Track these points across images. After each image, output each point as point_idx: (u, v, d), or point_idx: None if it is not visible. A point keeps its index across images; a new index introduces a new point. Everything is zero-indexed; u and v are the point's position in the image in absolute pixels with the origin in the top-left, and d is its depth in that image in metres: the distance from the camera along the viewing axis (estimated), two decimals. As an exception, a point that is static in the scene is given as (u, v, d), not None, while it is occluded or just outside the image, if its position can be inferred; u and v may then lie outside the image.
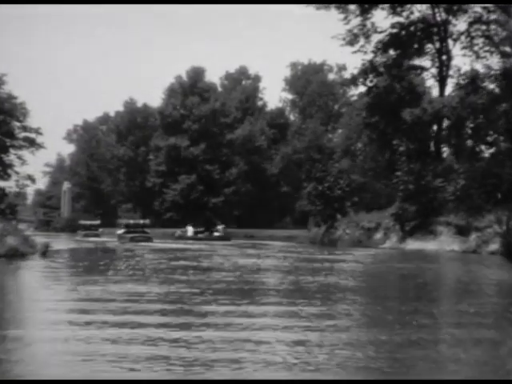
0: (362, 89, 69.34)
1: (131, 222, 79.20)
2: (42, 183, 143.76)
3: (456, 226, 53.24)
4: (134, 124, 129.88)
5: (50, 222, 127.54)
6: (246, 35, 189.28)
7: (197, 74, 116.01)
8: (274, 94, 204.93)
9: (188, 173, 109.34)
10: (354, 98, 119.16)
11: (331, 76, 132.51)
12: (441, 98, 60.74)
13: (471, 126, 60.91)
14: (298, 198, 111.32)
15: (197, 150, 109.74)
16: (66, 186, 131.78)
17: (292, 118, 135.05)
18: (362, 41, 65.58)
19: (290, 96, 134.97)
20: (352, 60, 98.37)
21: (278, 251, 51.25)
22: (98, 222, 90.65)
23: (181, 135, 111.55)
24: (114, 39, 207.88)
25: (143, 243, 63.79)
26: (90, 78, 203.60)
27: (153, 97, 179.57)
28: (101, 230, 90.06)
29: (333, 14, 64.31)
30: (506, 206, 49.66)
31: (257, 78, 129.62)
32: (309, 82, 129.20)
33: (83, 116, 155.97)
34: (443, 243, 53.47)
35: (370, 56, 66.27)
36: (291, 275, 28.85)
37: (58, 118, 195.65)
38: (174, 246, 60.84)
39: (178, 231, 78.69)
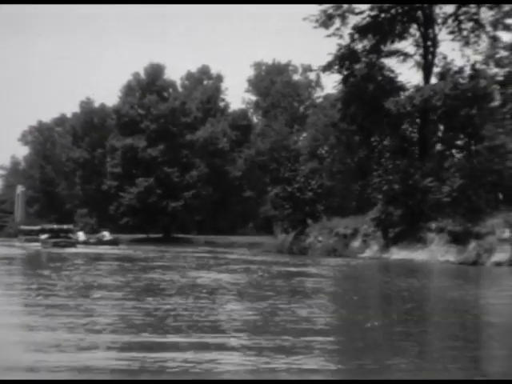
0: (336, 77, 59.38)
1: (55, 226, 75.60)
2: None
3: (450, 233, 43.60)
4: (90, 125, 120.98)
5: (4, 226, 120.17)
6: (208, 34, 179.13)
7: (156, 71, 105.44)
8: (236, 95, 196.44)
9: (146, 175, 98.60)
10: (320, 99, 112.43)
11: (296, 77, 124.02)
12: (430, 85, 51.06)
13: (466, 115, 50.54)
14: (262, 203, 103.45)
15: (155, 151, 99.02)
16: (20, 189, 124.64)
17: (255, 119, 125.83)
18: (337, 23, 56.04)
19: (253, 97, 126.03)
20: (324, 47, 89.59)
21: (243, 262, 41.90)
22: (38, 227, 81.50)
23: (138, 135, 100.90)
24: (74, 38, 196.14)
25: (66, 249, 60.13)
26: (46, 78, 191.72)
27: (111, 97, 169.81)
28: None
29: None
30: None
31: (219, 78, 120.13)
32: (273, 83, 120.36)
33: (39, 117, 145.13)
34: (435, 253, 43.95)
35: (346, 40, 56.61)
36: (262, 301, 19.53)
37: (13, 119, 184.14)
38: (102, 251, 56.98)
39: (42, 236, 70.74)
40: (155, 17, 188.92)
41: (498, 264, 38.48)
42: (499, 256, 39.12)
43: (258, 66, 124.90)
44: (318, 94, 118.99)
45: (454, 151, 55.17)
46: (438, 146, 57.02)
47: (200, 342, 12.75)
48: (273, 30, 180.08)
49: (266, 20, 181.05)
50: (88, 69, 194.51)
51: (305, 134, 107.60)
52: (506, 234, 39.14)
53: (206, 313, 16.90)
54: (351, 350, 12.72)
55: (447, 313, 18.84)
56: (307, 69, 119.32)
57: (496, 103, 51.28)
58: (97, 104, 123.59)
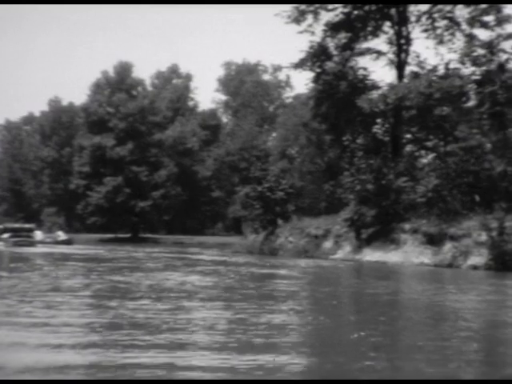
0: (308, 76, 57.64)
1: (16, 225, 74.47)
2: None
3: (425, 234, 41.90)
4: (58, 123, 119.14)
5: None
6: (178, 34, 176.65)
7: (124, 69, 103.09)
8: (206, 95, 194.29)
9: (114, 174, 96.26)
10: (290, 99, 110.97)
11: (266, 77, 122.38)
12: (405, 83, 49.39)
13: (440, 115, 48.86)
14: (231, 203, 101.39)
15: (123, 150, 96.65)
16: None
17: (225, 119, 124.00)
18: (309, 19, 54.21)
19: (223, 97, 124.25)
20: (295, 48, 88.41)
21: (212, 263, 40.13)
22: (1, 226, 79.16)
23: (106, 134, 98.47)
24: (42, 37, 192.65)
25: (26, 248, 58.72)
26: (14, 77, 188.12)
27: (80, 96, 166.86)
28: None
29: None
30: (488, 209, 38.66)
31: (188, 77, 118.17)
32: (243, 83, 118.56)
33: (7, 116, 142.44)
34: (409, 254, 42.21)
35: (318, 37, 54.89)
36: (230, 311, 17.57)
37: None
38: (67, 251, 55.03)
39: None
40: (125, 15, 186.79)
41: (475, 267, 36.90)
42: (476, 259, 37.53)
43: (227, 65, 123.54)
44: (288, 94, 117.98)
45: (428, 151, 53.56)
46: (411, 146, 55.46)
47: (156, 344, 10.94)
48: (243, 30, 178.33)
49: (236, 20, 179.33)
50: (57, 67, 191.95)
51: (274, 134, 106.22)
52: (483, 236, 37.55)
53: (168, 319, 15.14)
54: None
55: (433, 321, 17.16)
56: (277, 69, 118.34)
57: (472, 103, 49.96)
58: (65, 102, 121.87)
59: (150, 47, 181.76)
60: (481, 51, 48.65)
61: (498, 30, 48.78)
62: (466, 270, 37.11)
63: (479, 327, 16.40)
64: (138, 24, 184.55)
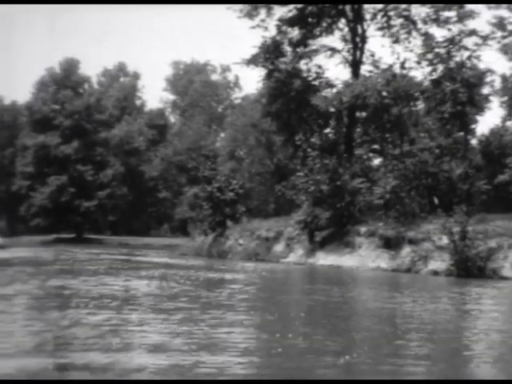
0: (260, 73, 55.07)
1: None
2: None
3: (382, 238, 39.68)
4: (0, 123, 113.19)
5: None
6: (125, 32, 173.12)
7: (70, 65, 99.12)
8: (153, 94, 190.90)
9: (58, 174, 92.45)
10: (238, 100, 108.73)
11: (215, 77, 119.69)
12: (362, 81, 47.07)
13: (397, 115, 46.59)
14: (178, 204, 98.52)
15: (68, 148, 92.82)
16: None
17: (173, 119, 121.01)
18: (262, 13, 51.76)
19: (171, 96, 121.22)
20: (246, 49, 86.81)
21: (158, 266, 37.46)
22: None
23: (51, 132, 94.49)
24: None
25: None
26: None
27: (24, 94, 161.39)
28: None
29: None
30: (448, 212, 36.56)
31: (136, 76, 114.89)
32: (191, 82, 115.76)
33: None
34: (365, 259, 39.96)
35: (272, 33, 52.55)
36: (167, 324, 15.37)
37: None
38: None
39: None
40: (71, 13, 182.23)
41: (435, 273, 34.81)
42: (436, 264, 35.43)
43: (176, 64, 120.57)
44: (237, 95, 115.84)
45: (384, 152, 51.42)
46: (367, 146, 53.30)
47: None
48: (192, 30, 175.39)
49: (185, 19, 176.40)
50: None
51: (223, 135, 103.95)
52: (444, 241, 35.42)
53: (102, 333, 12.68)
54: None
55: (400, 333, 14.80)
56: (226, 69, 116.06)
57: (421, 106, 48.22)
58: (7, 101, 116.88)
59: (96, 45, 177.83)
60: (441, 49, 46.72)
61: (460, 26, 46.94)
62: (426, 275, 35.06)
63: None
64: (84, 22, 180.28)
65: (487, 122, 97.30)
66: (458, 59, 45.52)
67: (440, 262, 35.28)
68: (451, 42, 46.09)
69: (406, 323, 17.02)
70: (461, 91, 42.34)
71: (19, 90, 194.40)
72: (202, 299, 20.95)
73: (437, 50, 47.50)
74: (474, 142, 53.54)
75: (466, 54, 45.84)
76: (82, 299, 19.12)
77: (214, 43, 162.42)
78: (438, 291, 27.24)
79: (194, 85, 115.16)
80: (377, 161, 53.78)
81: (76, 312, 16.41)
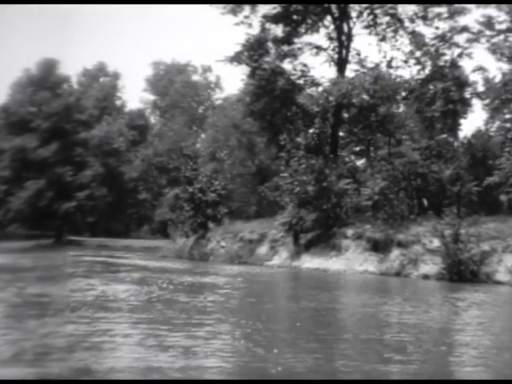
0: (243, 71, 53.64)
1: None
2: None
3: (370, 240, 38.16)
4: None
5: None
6: (106, 32, 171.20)
7: (49, 66, 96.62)
8: (134, 95, 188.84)
9: (36, 177, 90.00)
10: (220, 101, 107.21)
11: (195, 77, 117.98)
12: (349, 79, 45.56)
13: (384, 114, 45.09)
14: (158, 206, 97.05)
15: (47, 150, 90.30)
16: None
17: (153, 119, 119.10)
18: (246, 10, 50.19)
19: (151, 97, 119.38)
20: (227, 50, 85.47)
21: (138, 269, 36.01)
22: None
23: (29, 135, 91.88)
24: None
25: None
26: None
27: (0, 96, 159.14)
28: None
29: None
30: (438, 215, 35.16)
31: (116, 76, 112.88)
32: (172, 83, 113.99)
33: None
34: (353, 262, 38.40)
35: (256, 30, 50.99)
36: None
37: None
38: None
39: None
40: (50, 12, 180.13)
41: (426, 277, 33.36)
42: (426, 268, 33.97)
43: (156, 65, 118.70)
44: (218, 96, 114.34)
45: (371, 152, 50.00)
46: (353, 146, 51.84)
47: None
48: (173, 30, 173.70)
49: (166, 19, 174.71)
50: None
51: (204, 136, 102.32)
52: (435, 243, 33.96)
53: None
54: None
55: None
56: (207, 69, 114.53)
57: (402, 108, 46.89)
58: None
59: (76, 45, 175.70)
60: (430, 47, 45.34)
61: (451, 23, 45.56)
62: (416, 279, 33.60)
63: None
64: (63, 21, 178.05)
65: (468, 124, 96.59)
66: (448, 57, 44.22)
67: (431, 266, 33.86)
68: (442, 38, 44.74)
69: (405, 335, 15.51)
70: (452, 89, 41.02)
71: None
72: (184, 305, 19.45)
73: (426, 47, 46.09)
74: (456, 144, 52.42)
75: (457, 51, 44.55)
76: (61, 306, 17.75)
77: (195, 43, 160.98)
78: (432, 297, 25.79)
79: (175, 85, 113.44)
80: (362, 161, 52.32)
81: (54, 320, 15.04)
